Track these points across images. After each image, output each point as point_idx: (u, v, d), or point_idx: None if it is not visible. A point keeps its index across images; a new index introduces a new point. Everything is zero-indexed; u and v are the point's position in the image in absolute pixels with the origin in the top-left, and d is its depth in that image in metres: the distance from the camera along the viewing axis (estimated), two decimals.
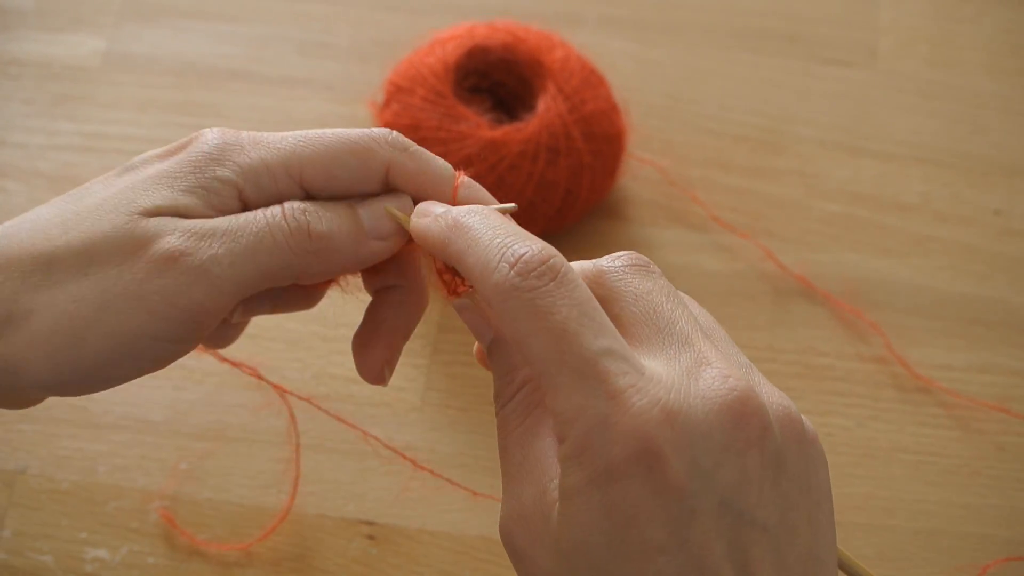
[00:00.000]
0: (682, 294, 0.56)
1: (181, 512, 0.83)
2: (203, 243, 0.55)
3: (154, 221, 0.55)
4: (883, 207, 0.98)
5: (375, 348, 0.62)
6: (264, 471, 0.85)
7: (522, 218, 0.90)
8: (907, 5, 1.10)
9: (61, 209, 0.58)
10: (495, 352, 0.58)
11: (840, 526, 0.84)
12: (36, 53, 1.05)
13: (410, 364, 0.89)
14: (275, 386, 0.81)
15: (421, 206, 0.58)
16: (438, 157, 0.61)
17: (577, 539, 0.49)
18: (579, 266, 0.56)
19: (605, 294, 0.55)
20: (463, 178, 0.61)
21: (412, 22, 1.06)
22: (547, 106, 0.90)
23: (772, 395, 0.53)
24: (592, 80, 0.93)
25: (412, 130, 0.89)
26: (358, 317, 0.88)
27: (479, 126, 0.89)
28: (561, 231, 0.93)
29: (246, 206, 0.58)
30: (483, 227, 0.54)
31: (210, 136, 0.59)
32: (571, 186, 0.90)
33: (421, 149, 0.60)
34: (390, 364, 0.62)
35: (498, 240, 0.53)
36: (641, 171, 0.98)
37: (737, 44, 1.07)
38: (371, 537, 0.83)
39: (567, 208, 0.91)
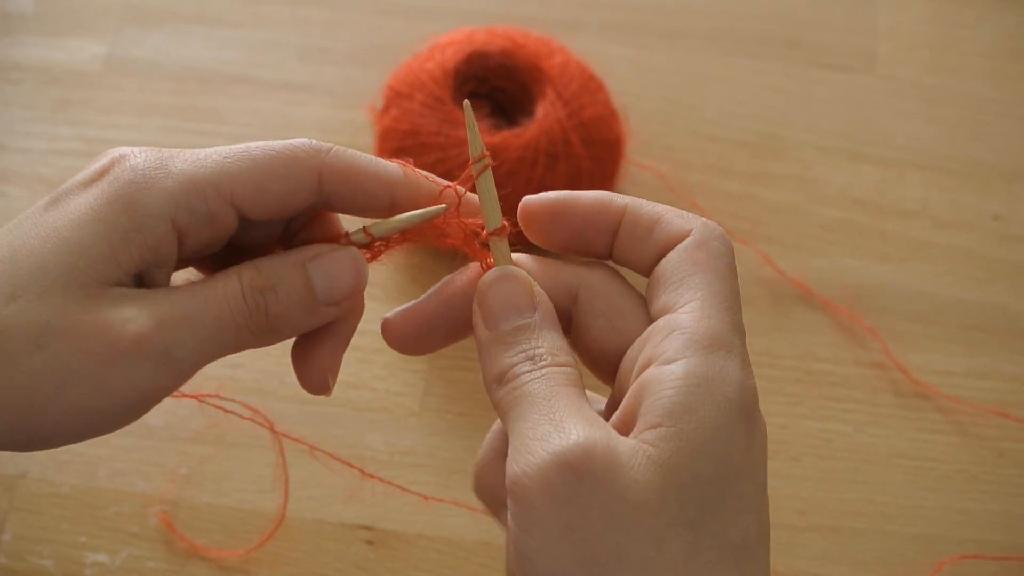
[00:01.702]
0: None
1: (180, 516, 0.83)
2: (164, 328, 0.54)
3: (110, 297, 0.54)
4: (882, 213, 0.98)
5: (317, 358, 0.60)
6: (263, 475, 0.85)
7: None
8: (907, 11, 1.10)
9: None
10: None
11: (839, 531, 0.85)
12: (37, 58, 1.05)
13: (409, 369, 0.89)
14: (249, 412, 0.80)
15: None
16: (366, 154, 0.59)
17: (695, 470, 0.50)
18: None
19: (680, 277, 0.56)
20: (406, 169, 0.59)
21: (412, 27, 1.06)
22: (546, 111, 0.91)
23: None
24: (591, 86, 0.93)
25: (411, 135, 0.90)
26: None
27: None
28: None
29: (181, 233, 0.56)
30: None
31: (133, 161, 0.56)
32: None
33: (345, 147, 0.59)
34: (332, 372, 0.60)
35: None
36: (640, 177, 0.98)
37: (737, 50, 1.07)
38: (370, 542, 0.83)
39: None
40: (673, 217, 0.57)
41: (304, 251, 0.58)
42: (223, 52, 1.06)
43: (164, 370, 0.54)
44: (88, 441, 0.83)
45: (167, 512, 0.83)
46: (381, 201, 0.58)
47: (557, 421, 0.50)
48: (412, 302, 0.60)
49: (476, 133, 0.57)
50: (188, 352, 0.54)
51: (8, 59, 1.05)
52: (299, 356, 0.61)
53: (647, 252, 0.57)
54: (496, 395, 0.55)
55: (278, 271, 0.57)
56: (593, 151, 0.91)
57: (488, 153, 0.57)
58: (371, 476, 0.79)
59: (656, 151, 1.00)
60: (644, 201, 0.58)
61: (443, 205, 0.58)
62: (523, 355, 0.55)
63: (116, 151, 0.57)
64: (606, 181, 0.93)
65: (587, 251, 0.59)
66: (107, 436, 0.84)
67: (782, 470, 0.86)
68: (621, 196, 0.58)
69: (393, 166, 0.58)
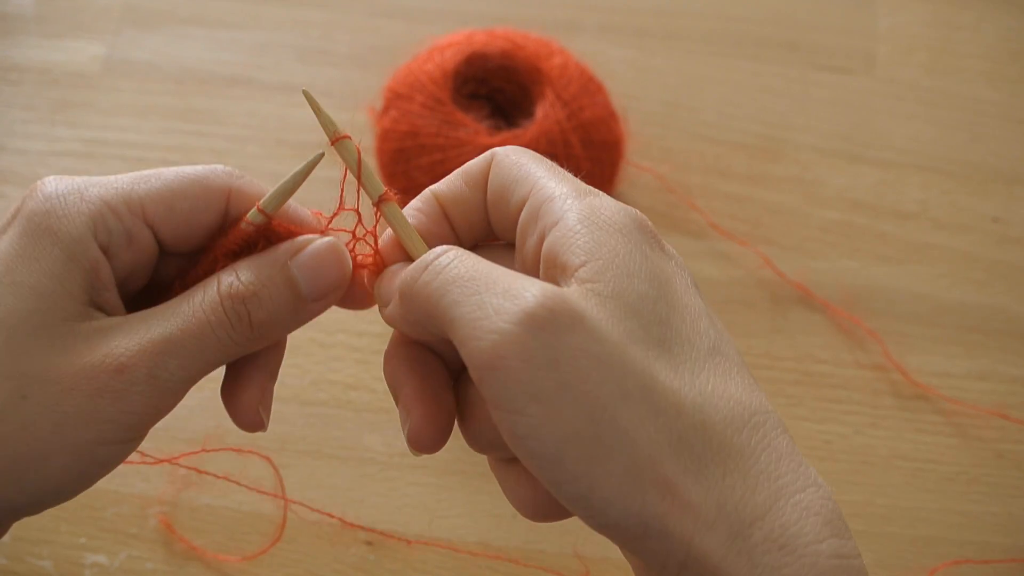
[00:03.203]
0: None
1: (180, 518, 0.83)
2: (145, 351, 0.53)
3: (84, 331, 0.54)
4: (881, 214, 0.98)
5: (246, 392, 0.59)
6: (263, 477, 0.85)
7: None
8: (906, 13, 1.10)
9: None
10: None
11: None
12: (37, 59, 1.05)
13: None
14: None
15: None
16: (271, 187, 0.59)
17: (637, 290, 0.50)
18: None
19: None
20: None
21: (411, 29, 1.06)
22: (545, 113, 0.91)
23: None
24: (590, 87, 0.93)
25: (410, 136, 0.90)
26: (357, 324, 0.88)
27: (477, 133, 0.89)
28: None
29: (106, 250, 0.56)
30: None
31: (45, 190, 0.56)
32: None
33: (255, 180, 0.59)
34: (264, 406, 0.59)
35: None
36: (639, 178, 0.98)
37: (736, 52, 1.08)
38: (369, 544, 0.83)
39: None
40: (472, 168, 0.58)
41: (289, 246, 0.57)
42: (222, 54, 1.06)
43: (153, 392, 0.54)
44: None
45: (166, 513, 0.83)
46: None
47: (504, 290, 0.48)
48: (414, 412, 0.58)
49: (324, 114, 0.56)
50: (173, 373, 0.54)
51: (7, 60, 1.05)
52: (229, 396, 0.59)
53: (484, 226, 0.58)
54: (412, 290, 0.52)
55: (260, 274, 0.56)
56: (592, 152, 0.91)
57: (346, 134, 0.57)
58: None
59: (655, 153, 1.00)
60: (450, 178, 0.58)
61: (321, 152, 0.57)
62: (429, 256, 0.53)
63: (30, 189, 0.57)
64: (605, 182, 0.93)
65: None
66: None
67: None
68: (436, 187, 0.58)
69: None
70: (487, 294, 0.49)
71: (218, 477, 0.81)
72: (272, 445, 0.85)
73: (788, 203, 0.99)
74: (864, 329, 0.92)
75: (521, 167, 0.55)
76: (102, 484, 0.83)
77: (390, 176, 0.92)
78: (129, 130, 1.01)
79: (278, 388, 0.87)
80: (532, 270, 0.54)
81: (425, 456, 0.86)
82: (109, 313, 0.56)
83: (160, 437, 0.86)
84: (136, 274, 0.58)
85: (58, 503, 0.56)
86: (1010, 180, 1.01)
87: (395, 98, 0.92)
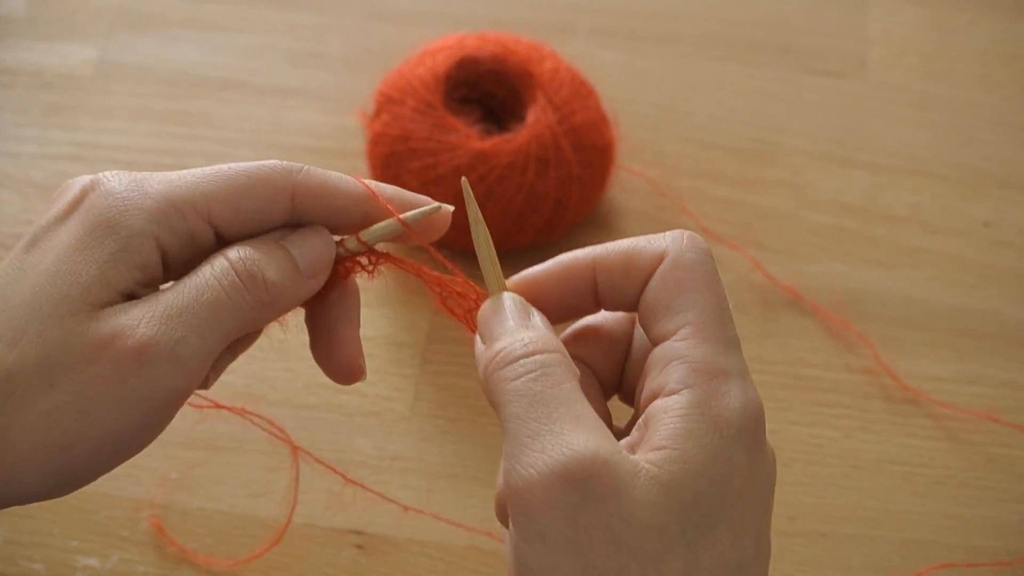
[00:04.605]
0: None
1: (171, 521, 0.83)
2: (164, 328, 0.54)
3: (106, 315, 0.54)
4: (873, 218, 0.98)
5: (341, 344, 0.61)
6: (254, 480, 0.85)
7: (511, 229, 0.91)
8: (898, 16, 1.10)
9: None
10: None
11: (828, 537, 0.85)
12: (29, 62, 1.05)
13: (399, 374, 0.89)
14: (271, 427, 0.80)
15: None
16: (335, 172, 0.60)
17: (697, 491, 0.50)
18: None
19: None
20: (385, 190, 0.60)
21: (403, 32, 1.06)
22: (537, 117, 0.91)
23: None
24: (582, 91, 0.93)
25: (402, 140, 0.90)
26: None
27: (469, 137, 0.89)
28: (550, 242, 0.93)
29: (164, 252, 0.56)
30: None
31: (108, 185, 0.56)
32: (560, 197, 0.90)
33: (315, 167, 0.59)
34: (360, 355, 0.61)
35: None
36: (630, 182, 0.98)
37: (727, 55, 1.08)
38: (360, 547, 0.83)
39: (556, 219, 0.91)
40: (643, 246, 0.57)
41: (272, 234, 0.58)
42: (214, 57, 1.06)
43: (176, 371, 0.54)
44: None
45: (158, 517, 0.83)
46: (352, 217, 0.59)
47: (557, 430, 0.50)
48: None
49: (474, 206, 0.59)
50: (195, 346, 0.54)
51: None
52: (324, 352, 0.61)
53: (629, 292, 0.57)
54: (487, 384, 0.55)
55: (261, 248, 0.57)
56: (584, 157, 0.91)
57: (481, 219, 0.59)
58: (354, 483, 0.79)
59: (647, 156, 1.00)
60: (610, 244, 0.58)
61: (436, 204, 0.59)
62: (516, 342, 0.54)
63: (84, 179, 0.57)
64: (596, 187, 0.93)
65: (577, 314, 0.60)
66: None
67: None
68: (585, 250, 0.59)
69: (360, 183, 0.59)
70: (541, 426, 0.51)
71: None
72: (264, 449, 0.85)
73: (779, 207, 0.99)
74: (854, 333, 0.92)
75: (685, 292, 0.55)
76: (94, 487, 0.83)
77: (381, 180, 0.91)
78: (121, 133, 1.01)
79: (268, 391, 0.88)
80: (631, 398, 0.57)
81: (415, 460, 0.86)
82: None
83: (156, 440, 0.86)
84: (187, 268, 0.58)
85: (77, 489, 0.56)
86: (1001, 184, 1.01)
87: (387, 102, 0.92)
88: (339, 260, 0.60)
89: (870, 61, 1.08)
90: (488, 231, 0.58)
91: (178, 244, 0.57)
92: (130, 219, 0.55)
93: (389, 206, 0.59)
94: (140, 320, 0.54)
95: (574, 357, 0.56)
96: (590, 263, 0.58)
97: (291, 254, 0.58)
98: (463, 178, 0.59)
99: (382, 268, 0.61)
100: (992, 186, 1.01)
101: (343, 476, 0.80)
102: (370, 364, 0.84)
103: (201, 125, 1.02)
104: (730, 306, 0.56)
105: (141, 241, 0.55)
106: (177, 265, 0.57)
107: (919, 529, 0.85)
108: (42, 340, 0.53)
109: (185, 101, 1.03)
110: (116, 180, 0.57)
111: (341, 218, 0.59)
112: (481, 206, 0.83)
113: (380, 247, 0.60)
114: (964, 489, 0.87)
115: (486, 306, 0.58)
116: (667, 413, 0.52)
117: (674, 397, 0.52)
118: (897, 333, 0.93)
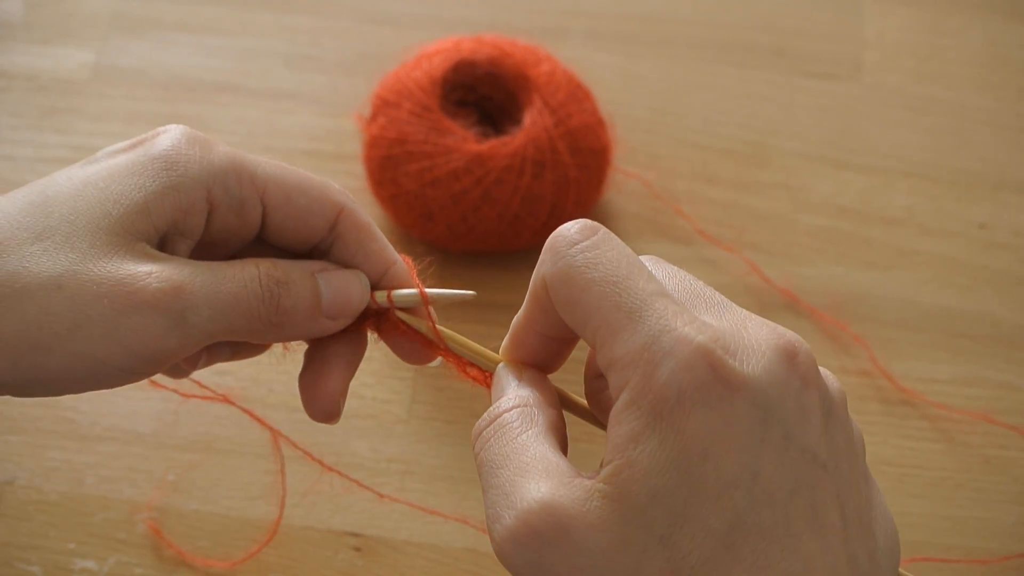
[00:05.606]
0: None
1: (168, 523, 0.83)
2: (183, 291, 0.54)
3: (137, 251, 0.55)
4: (868, 220, 0.99)
5: (330, 381, 0.61)
6: (251, 483, 0.85)
7: (508, 232, 0.91)
8: (893, 18, 1.10)
9: (28, 210, 0.56)
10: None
11: None
12: (24, 65, 1.05)
13: (396, 377, 0.89)
14: (256, 417, 0.80)
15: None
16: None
17: (650, 487, 0.47)
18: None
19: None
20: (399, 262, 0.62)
21: (399, 36, 1.06)
22: (533, 120, 0.91)
23: None
24: (578, 94, 0.93)
25: (398, 144, 0.90)
26: None
27: (465, 140, 0.89)
28: None
29: (212, 208, 0.58)
30: None
31: (178, 132, 0.59)
32: (557, 200, 0.90)
33: (362, 209, 0.62)
34: (343, 396, 0.62)
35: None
36: (626, 185, 0.98)
37: (723, 58, 1.08)
38: (357, 549, 0.83)
39: (553, 222, 0.91)
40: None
41: (313, 263, 0.60)
42: (210, 60, 1.06)
43: (176, 331, 0.55)
44: (75, 448, 0.85)
45: (155, 519, 0.83)
46: (377, 267, 0.61)
47: (508, 491, 0.51)
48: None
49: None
50: (202, 320, 0.55)
51: None
52: (309, 384, 0.62)
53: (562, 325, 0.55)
54: (474, 441, 0.56)
55: (291, 272, 0.58)
56: (580, 159, 0.91)
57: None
58: (330, 469, 0.79)
59: (642, 159, 1.01)
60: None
61: (470, 292, 0.61)
62: (484, 418, 0.55)
63: (161, 128, 0.59)
64: (593, 189, 0.93)
65: (568, 344, 0.58)
66: (94, 443, 0.85)
67: None
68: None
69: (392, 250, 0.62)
70: (499, 489, 0.51)
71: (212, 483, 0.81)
72: (261, 451, 0.85)
73: (775, 209, 0.99)
74: (850, 335, 0.92)
75: (575, 306, 0.52)
76: (91, 489, 0.84)
77: (378, 183, 0.92)
78: (117, 136, 1.00)
79: (266, 394, 0.88)
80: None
81: (412, 463, 0.86)
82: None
83: (149, 443, 0.86)
84: (229, 240, 0.60)
85: (44, 396, 0.57)
86: (996, 186, 1.01)
87: (383, 105, 0.92)
88: (367, 314, 0.61)
89: (865, 63, 1.08)
90: (453, 331, 0.60)
91: (226, 206, 0.58)
92: (191, 164, 0.57)
93: (417, 279, 0.61)
94: (165, 270, 0.55)
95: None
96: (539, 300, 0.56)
97: (319, 289, 0.59)
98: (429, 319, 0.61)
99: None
100: (987, 188, 1.01)
101: (344, 476, 0.80)
102: (367, 366, 0.85)
103: (196, 128, 1.01)
104: (631, 258, 0.54)
105: (193, 186, 0.57)
106: (218, 229, 0.59)
107: (915, 530, 0.85)
108: (67, 244, 0.55)
109: (180, 104, 1.03)
110: (185, 131, 0.59)
111: (367, 261, 0.61)
112: (478, 208, 0.85)
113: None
114: (960, 490, 0.87)
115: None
116: (611, 424, 0.49)
117: (616, 405, 0.50)
118: (893, 335, 0.93)
